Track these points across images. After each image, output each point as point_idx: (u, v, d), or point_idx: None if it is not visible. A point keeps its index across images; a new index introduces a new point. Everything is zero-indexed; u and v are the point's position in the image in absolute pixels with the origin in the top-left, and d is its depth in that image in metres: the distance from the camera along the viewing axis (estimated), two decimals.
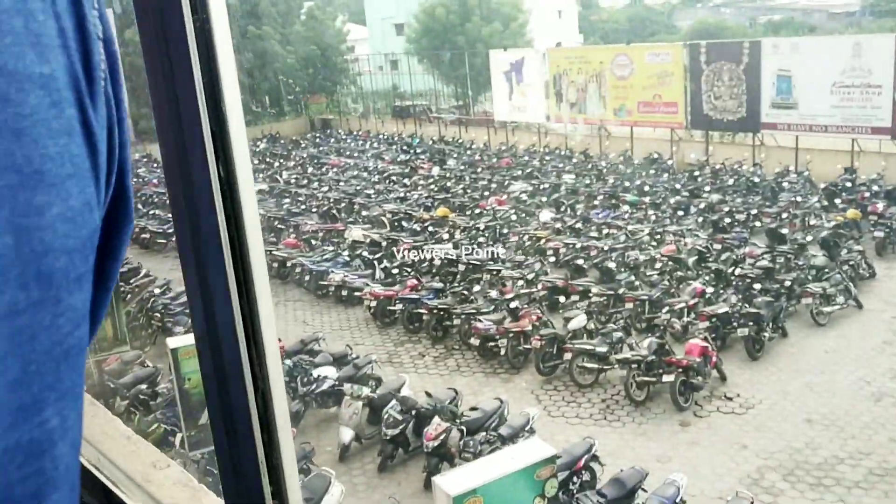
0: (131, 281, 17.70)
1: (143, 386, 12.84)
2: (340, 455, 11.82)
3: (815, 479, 10.49)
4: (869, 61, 22.76)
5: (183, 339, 8.45)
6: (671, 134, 28.15)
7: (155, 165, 35.86)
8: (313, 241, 21.49)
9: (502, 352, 14.37)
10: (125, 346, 12.04)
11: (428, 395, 11.79)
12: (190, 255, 1.05)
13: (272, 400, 1.05)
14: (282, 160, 34.95)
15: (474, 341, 14.68)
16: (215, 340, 1.06)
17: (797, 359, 13.89)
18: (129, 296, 16.98)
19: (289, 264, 19.91)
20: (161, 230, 23.91)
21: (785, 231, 18.61)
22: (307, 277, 19.15)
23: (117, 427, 2.39)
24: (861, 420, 11.80)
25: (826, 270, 16.05)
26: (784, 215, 19.99)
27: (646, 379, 12.64)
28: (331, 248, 20.45)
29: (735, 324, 14.07)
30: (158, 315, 16.55)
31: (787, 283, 15.41)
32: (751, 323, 13.89)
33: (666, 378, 12.43)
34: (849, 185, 21.89)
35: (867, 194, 20.66)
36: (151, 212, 26.37)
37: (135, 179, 31.92)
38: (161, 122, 0.98)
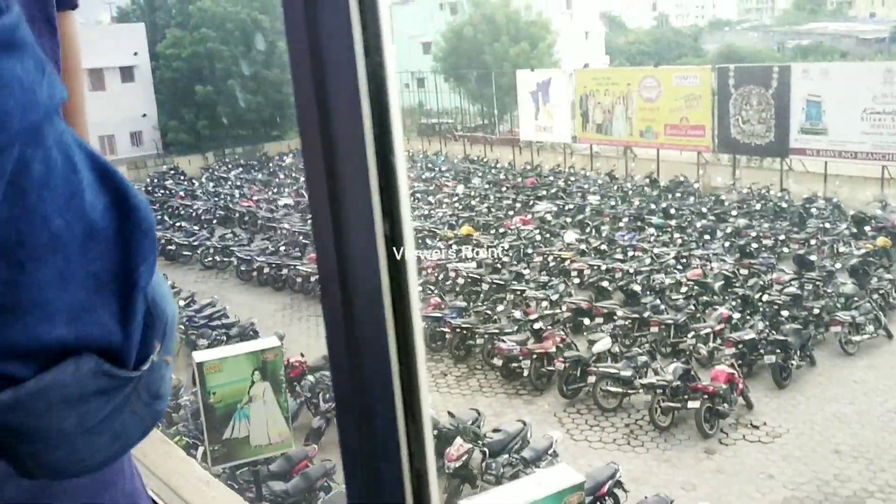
0: None
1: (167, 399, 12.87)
2: None
3: None
4: None
5: (208, 354, 8.47)
6: (698, 157, 28.00)
7: (182, 178, 36.17)
8: None
9: (525, 373, 14.28)
10: None
11: (451, 415, 11.72)
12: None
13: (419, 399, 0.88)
14: None
15: (497, 361, 14.61)
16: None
17: (825, 388, 13.68)
18: None
19: (312, 279, 19.95)
20: (186, 242, 24.09)
21: (813, 258, 18.39)
22: None
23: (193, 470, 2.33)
24: (891, 453, 11.58)
25: (855, 299, 15.83)
26: (812, 242, 19.77)
27: (671, 404, 12.49)
28: None
29: (762, 351, 13.89)
30: (182, 327, 16.62)
31: (816, 311, 15.21)
32: (778, 350, 13.70)
33: (691, 404, 12.27)
34: (879, 212, 21.62)
35: None
36: (178, 223, 26.57)
37: (162, 191, 32.30)
38: (314, 171, 0.82)
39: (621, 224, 22.72)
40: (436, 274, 19.51)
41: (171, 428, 12.13)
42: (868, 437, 12.07)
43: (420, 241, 22.68)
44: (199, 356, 8.26)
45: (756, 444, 12.12)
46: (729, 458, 11.81)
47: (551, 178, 30.13)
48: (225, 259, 23.00)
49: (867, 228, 20.46)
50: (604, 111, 30.59)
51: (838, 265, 18.01)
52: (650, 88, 28.91)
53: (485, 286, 18.26)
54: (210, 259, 23.32)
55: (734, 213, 22.90)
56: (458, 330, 15.73)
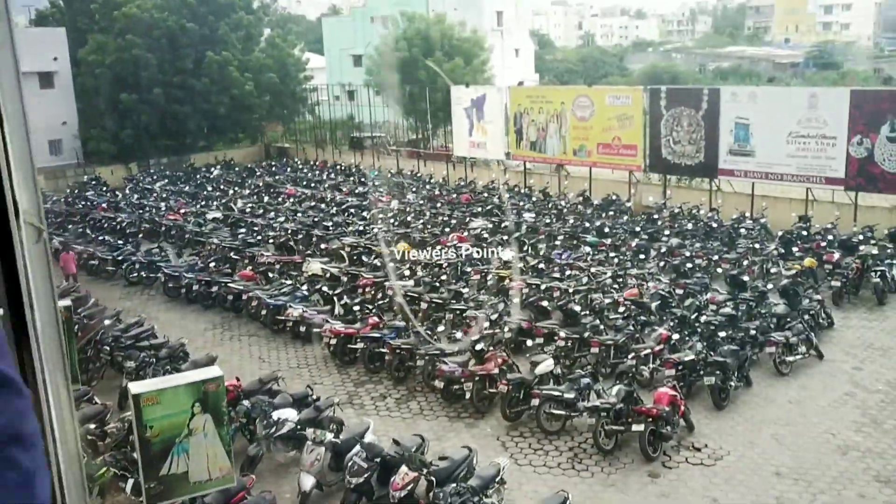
0: (80, 311, 16.91)
1: (92, 425, 12.18)
2: (301, 503, 11.31)
3: None
4: (824, 113, 23.30)
5: (145, 385, 7.94)
6: (629, 176, 28.39)
7: (104, 189, 34.91)
8: (270, 274, 20.95)
9: (467, 395, 14.05)
10: (76, 385, 11.38)
11: (396, 442, 11.37)
12: None
13: None
14: (236, 188, 34.29)
15: (438, 384, 14.35)
16: None
17: (762, 409, 13.86)
18: (77, 327, 16.19)
19: (244, 297, 19.33)
20: (110, 257, 23.12)
21: (745, 278, 18.75)
22: (263, 311, 18.60)
23: None
24: (829, 474, 11.75)
25: (787, 319, 16.17)
26: (744, 262, 20.17)
27: (615, 428, 12.43)
28: (288, 281, 19.93)
29: (701, 372, 14.01)
30: (108, 348, 15.83)
31: (752, 332, 15.43)
32: (717, 371, 13.83)
33: (635, 427, 12.24)
34: (804, 233, 22.25)
35: (823, 243, 20.98)
36: (101, 237, 25.50)
37: (83, 203, 31.00)
38: None
39: (557, 242, 22.78)
40: (372, 292, 19.16)
41: (98, 458, 11.43)
42: (806, 458, 12.24)
43: (355, 257, 22.28)
44: (134, 387, 7.72)
45: (699, 466, 12.15)
46: (673, 481, 11.79)
47: (486, 194, 30.12)
48: (151, 275, 22.13)
49: (794, 249, 21.00)
50: (538, 129, 30.77)
51: (770, 285, 18.40)
52: (584, 107, 29.21)
53: (423, 305, 17.99)
54: (136, 275, 22.41)
55: (667, 232, 23.24)
56: (397, 351, 15.40)
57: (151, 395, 7.63)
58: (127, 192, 34.11)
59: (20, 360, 1.33)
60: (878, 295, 18.71)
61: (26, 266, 1.26)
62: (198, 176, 37.56)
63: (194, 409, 7.87)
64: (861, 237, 21.15)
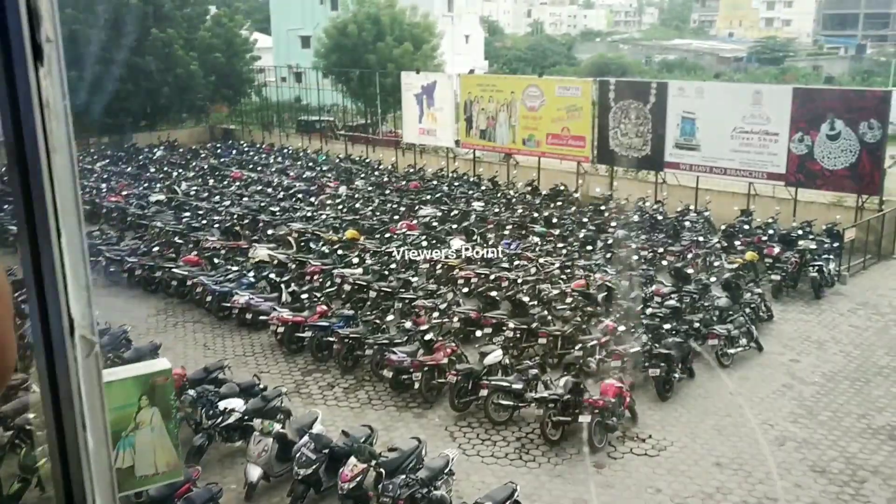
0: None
1: (31, 415, 11.83)
2: (247, 494, 11.20)
3: None
4: (767, 110, 23.83)
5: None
6: (577, 167, 28.66)
7: None
8: (215, 260, 20.60)
9: (416, 385, 14.05)
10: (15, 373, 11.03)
11: (345, 433, 11.33)
12: None
13: None
14: (180, 170, 33.62)
15: (387, 373, 14.31)
16: None
17: (704, 400, 14.18)
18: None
19: (189, 283, 19.00)
20: None
21: (689, 271, 19.11)
22: (209, 298, 18.31)
23: None
24: (767, 464, 12.10)
25: (729, 312, 16.54)
26: (688, 255, 20.55)
27: (562, 418, 12.59)
28: (234, 267, 19.63)
29: (646, 363, 14.25)
30: None
31: (695, 324, 15.75)
32: (662, 363, 14.09)
33: (582, 418, 12.41)
34: (746, 227, 22.77)
35: (764, 238, 21.50)
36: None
37: None
38: None
39: (506, 232, 22.89)
40: (320, 279, 19.00)
41: (37, 449, 11.13)
42: (745, 448, 12.58)
43: (303, 244, 22.06)
44: None
45: (643, 457, 12.39)
46: (618, 471, 12.00)
47: (435, 182, 30.08)
48: (92, 259, 21.48)
49: (736, 242, 21.48)
50: (487, 117, 30.82)
51: (713, 278, 18.79)
52: (533, 97, 29.34)
53: (372, 293, 17.91)
54: None
55: (613, 223, 23.53)
56: (346, 340, 15.31)
57: (109, 385, 7.45)
58: None
59: (65, 477, 1.27)
60: (816, 289, 19.27)
61: (79, 383, 1.20)
62: (140, 157, 36.70)
63: (141, 402, 7.71)
64: (800, 232, 21.72)
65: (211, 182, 30.77)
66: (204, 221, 24.35)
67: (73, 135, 1.24)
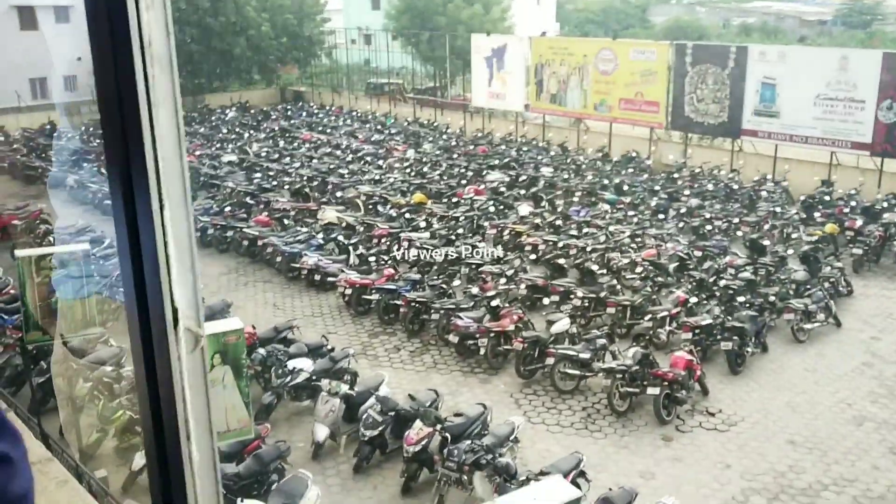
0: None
1: (108, 368, 12.20)
2: (314, 453, 11.36)
3: None
4: (854, 76, 22.77)
5: None
6: (651, 133, 27.96)
7: None
8: (285, 220, 20.83)
9: (481, 351, 14.01)
10: (94, 327, 11.35)
11: (411, 397, 11.36)
12: None
13: None
14: (252, 131, 34.03)
15: (453, 338, 14.28)
16: None
17: (778, 376, 13.78)
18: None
19: (259, 243, 19.26)
20: None
21: (766, 242, 18.51)
22: (278, 258, 18.55)
23: None
24: (844, 444, 11.71)
25: (807, 286, 15.98)
26: (764, 226, 19.90)
27: (630, 390, 12.39)
28: (303, 228, 19.82)
29: (718, 336, 13.90)
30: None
31: (770, 298, 15.27)
32: (734, 337, 13.72)
33: (651, 390, 12.19)
34: (826, 198, 21.92)
35: (845, 210, 20.67)
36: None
37: (98, 141, 30.80)
38: None
39: (575, 199, 22.53)
40: (388, 243, 19.04)
41: (114, 401, 11.48)
42: (820, 427, 12.19)
43: (371, 207, 22.13)
44: None
45: (712, 431, 12.12)
46: (686, 445, 11.78)
47: (503, 146, 29.76)
48: None
49: (816, 214, 20.70)
50: (559, 81, 30.25)
51: (790, 251, 18.18)
52: (607, 61, 28.65)
53: (439, 258, 17.87)
54: None
55: (686, 192, 22.93)
56: (412, 304, 15.33)
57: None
58: None
59: (164, 491, 1.16)
60: None
61: (183, 385, 1.06)
62: (212, 117, 37.26)
63: (213, 360, 7.81)
64: (885, 204, 20.83)
65: (281, 144, 31.07)
66: (274, 183, 24.62)
67: (178, 84, 1.02)
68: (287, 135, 33.05)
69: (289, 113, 38.91)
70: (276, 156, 28.55)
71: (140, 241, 0.97)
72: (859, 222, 19.44)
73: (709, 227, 19.92)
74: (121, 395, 11.83)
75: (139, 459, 10.36)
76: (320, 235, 19.17)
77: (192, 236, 0.97)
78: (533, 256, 18.18)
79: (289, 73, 47.46)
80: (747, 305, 14.87)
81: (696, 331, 13.95)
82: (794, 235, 19.47)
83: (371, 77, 44.17)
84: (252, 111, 39.31)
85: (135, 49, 0.89)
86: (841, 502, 10.39)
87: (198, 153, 28.79)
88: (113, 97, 0.93)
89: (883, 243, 18.82)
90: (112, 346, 13.27)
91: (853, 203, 21.18)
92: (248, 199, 22.74)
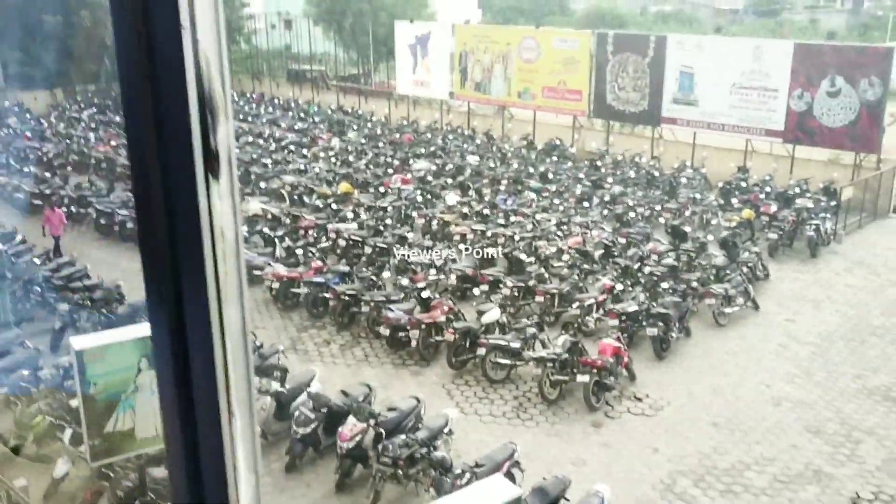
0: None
1: (25, 372, 11.71)
2: None
3: (724, 486, 10.70)
4: (767, 65, 23.53)
5: (89, 340, 7.59)
6: (574, 121, 28.34)
7: (28, 117, 33.25)
8: None
9: (413, 343, 13.98)
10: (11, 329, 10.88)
11: (344, 393, 11.26)
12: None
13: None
14: None
15: (384, 330, 14.22)
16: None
17: (701, 360, 14.20)
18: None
19: None
20: (37, 190, 22.11)
21: (687, 228, 19.00)
22: None
23: None
24: (763, 425, 12.15)
25: (726, 271, 16.47)
26: (685, 212, 20.42)
27: (560, 378, 12.57)
28: None
29: (644, 323, 14.21)
30: (38, 289, 15.21)
31: (693, 283, 15.70)
32: (659, 323, 14.06)
33: (580, 378, 12.39)
34: (743, 184, 22.63)
35: (761, 195, 21.39)
36: (25, 168, 24.35)
37: (5, 130, 29.49)
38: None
39: (501, 187, 22.67)
40: (315, 234, 18.80)
41: (31, 406, 11.02)
42: (742, 409, 12.62)
43: (297, 197, 21.81)
44: (77, 342, 7.37)
45: (640, 416, 12.42)
46: (615, 431, 12.03)
47: (429, 134, 29.72)
48: (82, 210, 21.23)
49: (733, 200, 21.36)
50: (483, 69, 30.35)
51: (710, 237, 18.70)
52: (530, 49, 28.87)
53: (367, 249, 17.75)
54: (65, 210, 21.46)
55: (609, 180, 23.34)
56: (342, 296, 15.19)
57: (95, 351, 7.31)
58: (52, 120, 32.58)
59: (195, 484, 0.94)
60: (812, 248, 19.23)
61: (228, 383, 0.88)
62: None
63: (140, 365, 7.58)
64: (797, 190, 21.63)
65: None
66: None
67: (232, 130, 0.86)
68: None
69: None
70: None
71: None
72: (774, 208, 20.14)
73: (632, 214, 20.34)
74: (39, 399, 11.38)
75: (62, 466, 10.00)
76: (244, 228, 18.77)
77: (236, 201, 0.85)
78: (462, 246, 18.22)
79: None
80: (671, 291, 15.25)
81: (623, 317, 14.25)
82: (713, 221, 20.06)
83: (293, 63, 43.44)
84: None
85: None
86: (762, 481, 10.79)
87: (113, 143, 27.82)
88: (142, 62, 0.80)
89: (796, 228, 19.54)
90: (28, 347, 12.75)
91: (768, 189, 21.93)
92: None
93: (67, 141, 28.24)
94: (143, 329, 8.24)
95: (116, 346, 7.45)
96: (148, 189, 0.89)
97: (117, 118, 33.11)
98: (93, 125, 31.40)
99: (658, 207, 20.79)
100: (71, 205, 21.37)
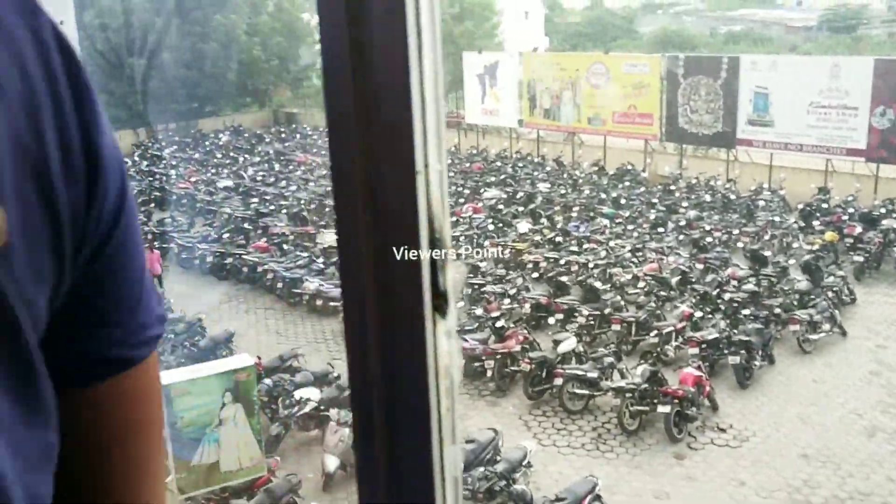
0: None
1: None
2: (324, 484, 11.25)
3: None
4: (846, 83, 22.87)
5: (175, 375, 7.81)
6: (645, 145, 28.02)
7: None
8: (284, 245, 20.76)
9: (488, 373, 13.92)
10: None
11: (468, 441, 11.27)
12: None
13: None
14: (246, 155, 33.99)
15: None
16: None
17: (786, 388, 13.73)
18: None
19: (259, 269, 19.18)
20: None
21: (767, 253, 18.49)
22: (279, 284, 18.46)
23: None
24: (857, 457, 11.65)
25: (810, 296, 15.95)
26: (764, 236, 19.90)
27: (640, 408, 12.32)
28: (303, 253, 19.74)
29: (725, 351, 13.84)
30: None
31: (775, 309, 15.24)
32: (742, 350, 13.67)
33: (661, 408, 12.13)
34: (824, 206, 21.95)
35: (844, 217, 20.69)
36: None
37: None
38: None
39: (573, 213, 22.52)
40: None
41: None
42: (832, 439, 12.14)
43: None
44: (163, 377, 7.59)
45: (724, 448, 12.06)
46: (699, 463, 11.71)
47: (498, 163, 29.79)
48: (164, 245, 21.91)
49: (815, 222, 20.73)
50: (552, 96, 30.33)
51: (791, 261, 18.15)
52: (599, 75, 28.75)
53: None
54: (147, 245, 22.21)
55: (684, 204, 22.95)
56: None
57: (182, 385, 7.51)
58: (136, 158, 33.84)
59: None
60: None
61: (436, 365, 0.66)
62: (206, 142, 37.23)
63: (225, 398, 7.77)
64: (883, 210, 20.86)
65: (276, 167, 31.03)
66: (272, 207, 24.55)
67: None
68: (282, 157, 33.03)
69: (282, 135, 38.91)
70: (272, 179, 28.51)
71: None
72: (858, 229, 19.46)
73: (708, 239, 19.91)
74: None
75: None
76: (321, 260, 19.10)
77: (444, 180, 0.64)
78: (535, 274, 18.13)
79: (281, 96, 47.51)
80: (752, 318, 14.83)
81: (703, 345, 13.91)
82: (793, 244, 19.47)
83: None
84: (245, 135, 39.30)
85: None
86: None
87: (193, 179, 28.72)
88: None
89: (883, 249, 18.83)
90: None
91: (851, 210, 21.22)
92: (245, 225, 22.68)
93: (150, 178, 29.25)
94: (227, 364, 8.46)
95: (201, 380, 7.65)
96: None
97: (196, 155, 34.20)
98: (173, 162, 32.48)
99: (736, 231, 20.32)
100: (154, 240, 22.08)
